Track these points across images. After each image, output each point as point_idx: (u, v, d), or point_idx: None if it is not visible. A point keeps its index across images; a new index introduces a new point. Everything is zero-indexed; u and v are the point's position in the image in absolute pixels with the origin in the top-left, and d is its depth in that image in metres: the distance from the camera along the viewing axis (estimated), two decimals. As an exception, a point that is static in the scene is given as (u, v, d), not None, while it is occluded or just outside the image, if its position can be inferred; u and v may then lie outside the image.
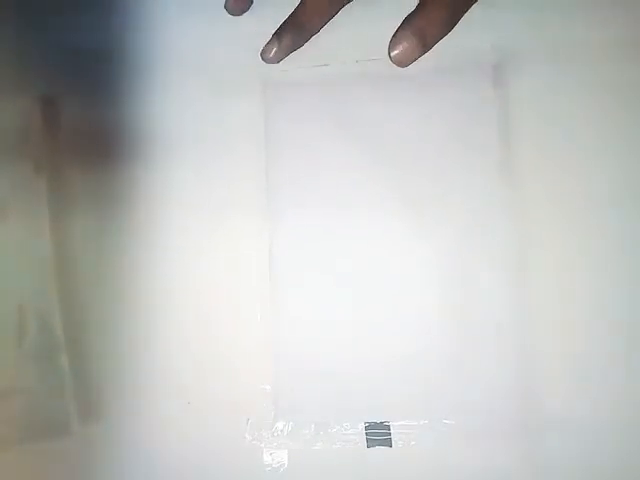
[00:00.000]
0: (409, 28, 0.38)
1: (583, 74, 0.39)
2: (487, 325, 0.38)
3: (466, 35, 0.41)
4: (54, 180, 0.40)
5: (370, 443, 0.39)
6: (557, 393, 0.38)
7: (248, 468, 0.39)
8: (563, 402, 0.38)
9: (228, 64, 0.42)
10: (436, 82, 0.41)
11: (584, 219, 0.39)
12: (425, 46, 0.39)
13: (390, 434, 0.39)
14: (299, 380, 0.39)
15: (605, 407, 0.38)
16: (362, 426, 0.39)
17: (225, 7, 0.41)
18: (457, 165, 0.39)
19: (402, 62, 0.39)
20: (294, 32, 0.40)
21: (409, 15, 0.39)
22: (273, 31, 0.40)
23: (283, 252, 0.40)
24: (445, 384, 0.39)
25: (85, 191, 0.40)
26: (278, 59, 0.41)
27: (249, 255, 0.40)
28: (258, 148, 0.41)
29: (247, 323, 0.40)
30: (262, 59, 0.41)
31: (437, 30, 0.39)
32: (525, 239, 0.39)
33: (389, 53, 0.39)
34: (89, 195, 0.40)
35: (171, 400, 0.39)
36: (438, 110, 0.40)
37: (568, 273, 0.38)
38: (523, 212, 0.39)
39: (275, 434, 0.39)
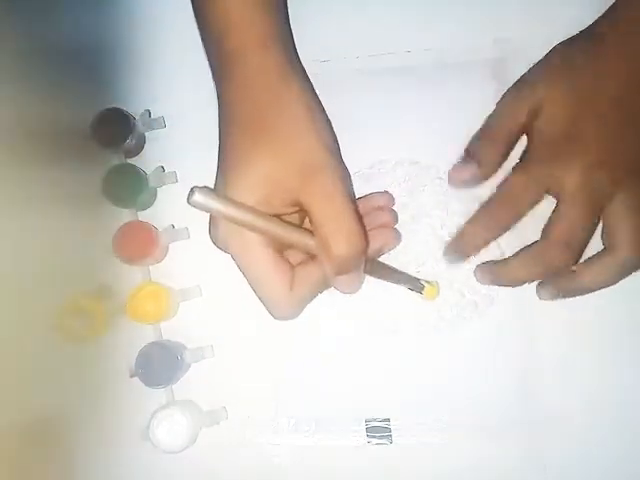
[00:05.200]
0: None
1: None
2: (487, 324, 0.38)
3: (468, 30, 0.40)
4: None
5: (370, 440, 0.39)
6: (557, 392, 0.38)
7: (249, 464, 0.39)
8: (563, 401, 0.38)
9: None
10: (437, 77, 0.40)
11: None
12: None
13: (390, 431, 0.39)
14: (300, 377, 0.39)
15: (605, 407, 0.38)
16: (363, 423, 0.39)
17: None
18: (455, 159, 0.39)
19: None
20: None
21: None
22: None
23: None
24: (445, 382, 0.39)
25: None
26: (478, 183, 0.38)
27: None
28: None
29: (248, 319, 0.40)
30: (450, 184, 0.39)
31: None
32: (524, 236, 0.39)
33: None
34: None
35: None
36: (439, 105, 0.40)
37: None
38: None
39: (276, 431, 0.39)
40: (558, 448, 0.38)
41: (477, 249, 0.38)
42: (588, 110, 0.36)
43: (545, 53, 0.38)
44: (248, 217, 0.31)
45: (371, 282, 0.39)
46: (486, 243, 0.37)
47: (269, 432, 0.39)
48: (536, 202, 0.36)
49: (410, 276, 0.38)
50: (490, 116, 0.38)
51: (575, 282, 0.36)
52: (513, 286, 0.37)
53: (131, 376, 0.38)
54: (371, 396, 0.39)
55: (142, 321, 0.39)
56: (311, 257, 0.34)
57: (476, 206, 0.39)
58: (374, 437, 0.39)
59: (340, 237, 0.32)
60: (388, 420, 0.39)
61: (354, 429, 0.39)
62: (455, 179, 0.39)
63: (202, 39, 0.37)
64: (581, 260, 0.36)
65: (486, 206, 0.37)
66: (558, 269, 0.36)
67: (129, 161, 0.41)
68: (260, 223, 0.32)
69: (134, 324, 0.39)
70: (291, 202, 0.33)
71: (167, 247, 0.41)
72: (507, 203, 0.37)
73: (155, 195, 0.41)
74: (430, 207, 0.40)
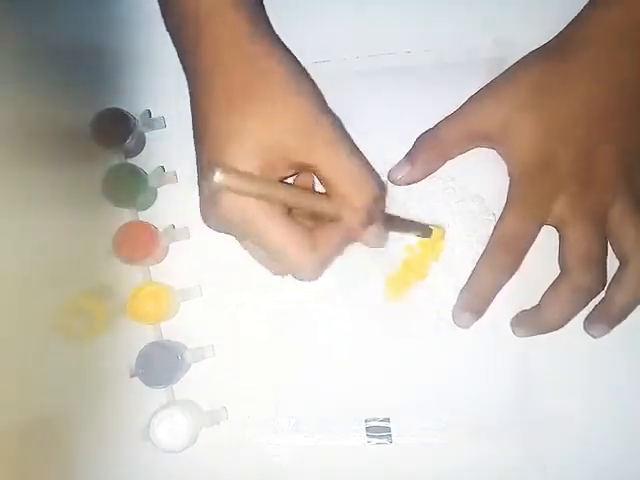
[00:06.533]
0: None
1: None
2: (487, 325, 0.38)
3: (467, 30, 0.40)
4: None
5: (370, 440, 0.39)
6: (557, 392, 0.38)
7: (249, 464, 0.39)
8: (562, 401, 0.38)
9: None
10: (437, 77, 0.40)
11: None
12: None
13: (390, 431, 0.39)
14: (301, 377, 0.39)
15: (605, 407, 0.38)
16: (363, 423, 0.39)
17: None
18: (457, 160, 0.39)
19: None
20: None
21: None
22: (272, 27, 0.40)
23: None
24: (445, 382, 0.39)
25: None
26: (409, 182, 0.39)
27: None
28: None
29: (249, 319, 0.40)
30: (389, 179, 0.39)
31: None
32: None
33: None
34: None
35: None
36: (439, 105, 0.39)
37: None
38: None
39: (276, 431, 0.39)
40: (558, 448, 0.38)
41: (487, 302, 0.37)
42: (560, 131, 0.36)
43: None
44: (265, 187, 0.31)
45: (371, 282, 0.39)
46: (494, 294, 0.37)
47: (269, 432, 0.39)
48: (534, 237, 0.37)
49: (419, 223, 0.38)
50: (445, 119, 0.38)
51: (609, 305, 0.36)
52: (555, 330, 0.37)
53: (131, 376, 0.38)
54: (371, 396, 0.39)
55: (142, 321, 0.39)
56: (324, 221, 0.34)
57: (476, 205, 0.39)
58: (374, 437, 0.39)
59: (357, 187, 0.32)
60: (388, 420, 0.39)
61: (354, 429, 0.39)
62: (391, 177, 0.39)
63: (166, 18, 0.37)
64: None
65: (486, 256, 0.37)
66: (591, 296, 0.36)
67: (129, 161, 0.41)
68: (278, 192, 0.31)
69: (134, 324, 0.39)
70: (293, 164, 0.33)
71: (167, 247, 0.41)
72: (506, 248, 0.37)
73: (155, 195, 0.41)
74: (430, 205, 0.40)
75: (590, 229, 0.36)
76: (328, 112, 0.34)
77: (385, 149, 0.40)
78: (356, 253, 0.39)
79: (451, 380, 0.39)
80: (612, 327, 0.36)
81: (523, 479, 0.38)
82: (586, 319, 0.37)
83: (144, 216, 0.41)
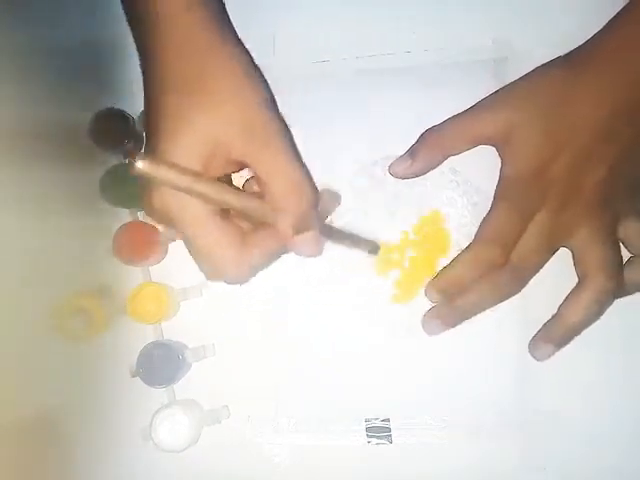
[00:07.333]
0: None
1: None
2: (487, 324, 0.38)
3: (467, 30, 0.40)
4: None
5: (370, 440, 0.39)
6: (557, 392, 0.38)
7: (249, 464, 0.39)
8: (563, 401, 0.38)
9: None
10: (437, 77, 0.40)
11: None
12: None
13: (390, 431, 0.39)
14: (301, 377, 0.39)
15: (605, 406, 0.38)
16: (363, 423, 0.39)
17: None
18: (456, 159, 0.39)
19: None
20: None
21: None
22: (272, 27, 0.40)
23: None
24: (445, 382, 0.39)
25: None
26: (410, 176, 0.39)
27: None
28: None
29: (249, 319, 0.40)
30: (390, 173, 0.39)
31: None
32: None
33: None
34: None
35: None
36: (439, 105, 0.39)
37: (565, 274, 0.38)
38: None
39: (276, 430, 0.39)
40: (558, 448, 0.38)
41: (456, 290, 0.37)
42: (562, 143, 0.35)
43: (545, 53, 0.37)
44: (195, 183, 0.30)
45: (370, 282, 0.39)
46: (465, 283, 0.37)
47: (269, 432, 0.39)
48: (519, 235, 0.36)
49: (365, 238, 0.38)
50: (451, 118, 0.38)
51: (562, 325, 0.36)
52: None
53: (132, 376, 0.38)
54: (371, 396, 0.39)
55: (143, 321, 0.39)
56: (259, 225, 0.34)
57: (480, 197, 0.39)
58: (374, 437, 0.39)
59: (291, 192, 0.32)
60: (388, 420, 0.39)
61: (354, 429, 0.39)
62: (392, 170, 0.39)
63: (126, 8, 0.37)
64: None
65: (468, 249, 0.37)
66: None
67: (129, 161, 0.41)
68: (208, 189, 0.31)
69: (134, 324, 0.39)
70: (232, 162, 0.33)
71: (167, 247, 0.41)
72: (495, 240, 0.36)
73: (155, 195, 0.41)
74: (432, 202, 0.40)
75: (545, 244, 0.36)
76: (275, 114, 0.33)
77: (384, 149, 0.40)
78: (357, 253, 0.39)
79: (451, 380, 0.39)
80: (559, 348, 0.36)
81: (523, 479, 0.38)
82: (532, 340, 0.37)
83: (144, 216, 0.41)
